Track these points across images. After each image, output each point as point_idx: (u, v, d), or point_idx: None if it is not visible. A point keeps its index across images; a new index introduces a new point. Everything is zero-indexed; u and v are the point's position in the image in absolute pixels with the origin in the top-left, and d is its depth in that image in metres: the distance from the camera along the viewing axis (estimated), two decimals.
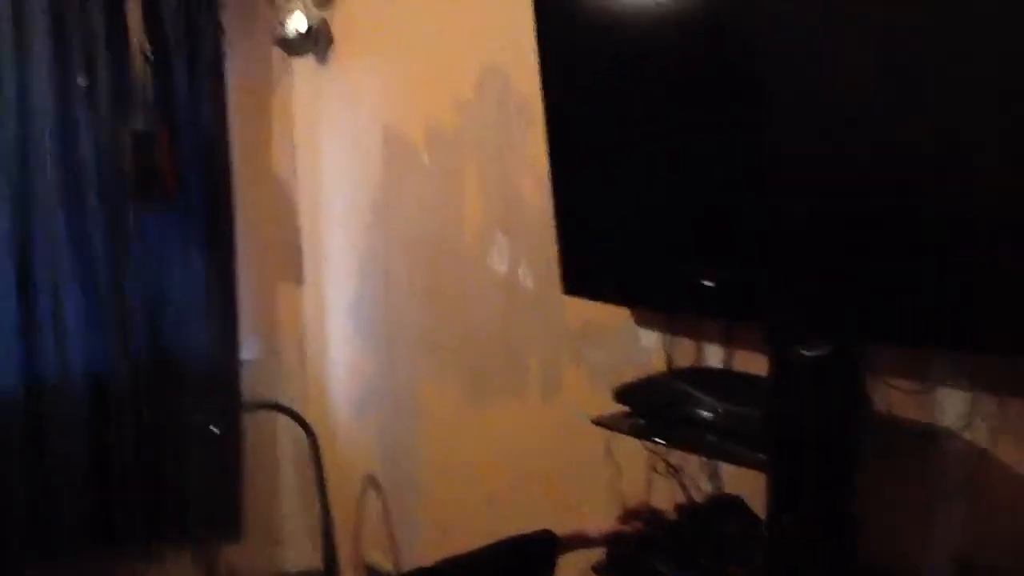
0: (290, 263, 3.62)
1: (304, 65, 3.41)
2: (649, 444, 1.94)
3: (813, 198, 1.55)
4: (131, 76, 3.13)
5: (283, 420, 3.54)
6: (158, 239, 3.25)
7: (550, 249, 2.14)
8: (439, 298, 2.92)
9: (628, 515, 1.87)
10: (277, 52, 3.40)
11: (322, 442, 3.44)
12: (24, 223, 3.00)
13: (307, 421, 3.41)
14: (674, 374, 1.95)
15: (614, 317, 2.16)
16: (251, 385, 3.51)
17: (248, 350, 3.51)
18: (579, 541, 1.82)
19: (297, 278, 3.63)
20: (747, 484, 1.77)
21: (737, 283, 1.68)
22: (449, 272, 2.85)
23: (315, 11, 3.25)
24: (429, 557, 2.25)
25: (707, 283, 1.70)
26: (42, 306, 3.05)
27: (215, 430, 3.29)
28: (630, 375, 1.97)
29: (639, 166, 1.87)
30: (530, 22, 2.05)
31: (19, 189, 2.98)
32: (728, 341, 1.92)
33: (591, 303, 2.13)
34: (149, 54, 3.14)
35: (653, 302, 1.97)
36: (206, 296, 3.35)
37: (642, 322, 2.11)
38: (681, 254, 1.82)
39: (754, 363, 1.82)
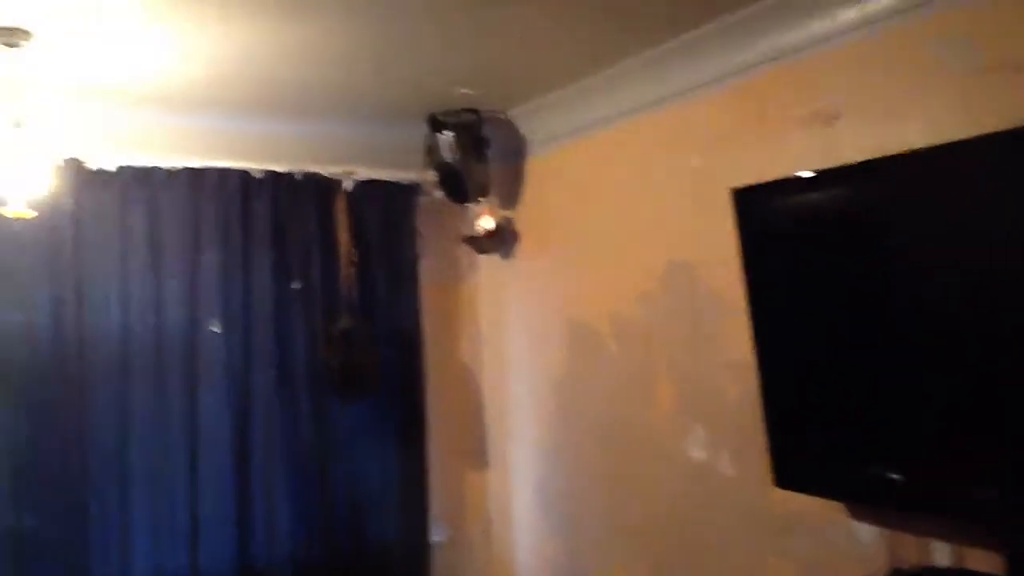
0: (476, 447, 3.76)
1: (489, 261, 3.66)
2: None
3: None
4: (338, 279, 3.44)
5: None
6: (359, 430, 3.47)
7: (752, 439, 2.16)
8: (627, 483, 2.95)
9: None
10: (464, 250, 3.67)
11: None
12: (244, 418, 3.27)
13: None
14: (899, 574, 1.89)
15: (825, 509, 2.13)
16: (439, 567, 3.58)
17: (437, 533, 3.61)
18: None
19: (483, 462, 3.75)
20: None
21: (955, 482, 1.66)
22: (638, 457, 2.89)
23: (501, 212, 3.52)
24: None
25: (924, 481, 1.68)
26: (256, 496, 3.27)
27: None
28: (845, 571, 1.93)
29: (837, 360, 1.92)
30: (715, 218, 2.18)
31: (241, 389, 3.27)
32: (957, 537, 1.86)
33: (797, 493, 2.12)
34: (355, 259, 3.46)
35: (872, 498, 1.95)
36: (400, 483, 3.52)
37: (857, 515, 2.07)
38: (892, 450, 1.81)
39: (987, 561, 1.76)
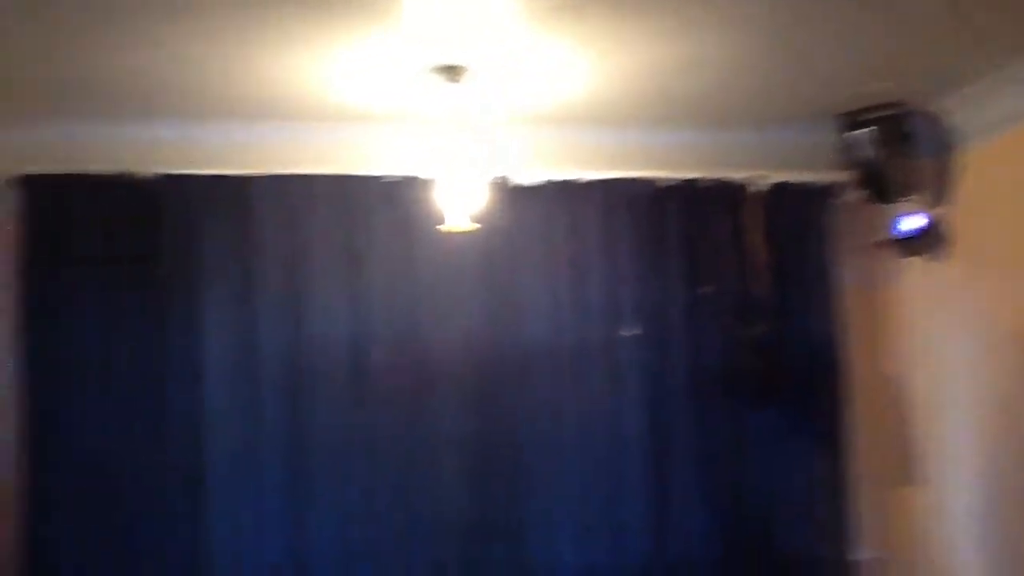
0: (900, 466, 3.46)
1: (915, 265, 3.34)
2: None
3: None
4: (749, 285, 3.38)
5: None
6: (771, 438, 3.39)
7: None
8: None
9: None
10: (886, 253, 3.39)
11: None
12: (657, 421, 3.35)
13: None
14: None
15: None
16: None
17: (859, 551, 3.40)
18: None
19: (908, 482, 3.45)
20: None
21: None
22: None
23: (929, 211, 3.19)
24: None
25: None
26: (671, 499, 3.34)
27: None
28: None
29: None
30: None
31: (655, 392, 3.36)
32: None
33: None
34: (767, 264, 3.38)
35: None
36: (816, 494, 3.38)
37: None
38: None
39: None
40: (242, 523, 3.18)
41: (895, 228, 3.27)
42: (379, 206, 3.28)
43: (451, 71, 2.60)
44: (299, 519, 3.22)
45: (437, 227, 2.77)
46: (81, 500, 3.11)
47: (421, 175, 3.17)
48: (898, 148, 3.02)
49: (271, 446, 3.22)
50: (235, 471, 3.19)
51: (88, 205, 3.18)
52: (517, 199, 3.29)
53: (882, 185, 3.10)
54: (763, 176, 3.44)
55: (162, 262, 3.18)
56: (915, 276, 3.39)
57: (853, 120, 3.06)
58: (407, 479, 3.27)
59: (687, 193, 3.40)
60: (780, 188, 3.45)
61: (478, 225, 2.74)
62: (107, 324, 3.17)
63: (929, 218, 3.18)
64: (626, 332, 3.37)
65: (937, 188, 3.17)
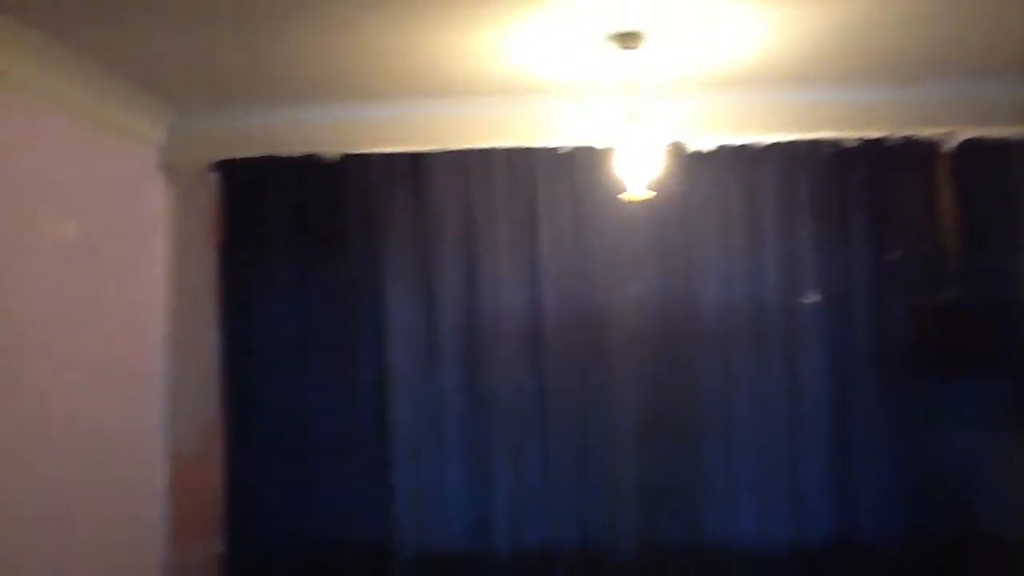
0: None
1: None
2: None
3: None
4: (940, 249, 3.22)
5: None
6: (962, 409, 3.22)
7: None
8: None
9: None
10: None
11: None
12: (841, 390, 3.26)
13: None
14: None
15: None
16: None
17: None
18: None
19: None
20: None
21: None
22: None
23: None
24: None
25: None
26: (855, 469, 3.24)
27: None
28: None
29: None
30: None
31: (838, 360, 3.26)
32: None
33: None
34: (959, 226, 3.19)
35: None
36: (1014, 469, 3.17)
37: None
38: None
39: None
40: (424, 480, 3.33)
41: None
42: (555, 177, 3.32)
43: (627, 38, 2.58)
44: (477, 479, 3.34)
45: (617, 196, 2.77)
46: (278, 453, 3.35)
47: (597, 145, 3.20)
48: None
49: (451, 408, 3.35)
50: (418, 433, 3.34)
51: (279, 186, 3.38)
52: (693, 165, 3.26)
53: None
54: (953, 133, 3.25)
55: (347, 237, 3.35)
56: None
57: None
58: (582, 443, 3.31)
59: (873, 153, 3.25)
60: (971, 145, 3.25)
61: (654, 193, 2.72)
62: (299, 297, 3.38)
63: None
64: (806, 300, 3.27)
65: None
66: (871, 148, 3.25)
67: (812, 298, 3.27)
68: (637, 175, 2.71)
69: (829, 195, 3.26)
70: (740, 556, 3.27)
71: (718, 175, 3.29)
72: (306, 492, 3.34)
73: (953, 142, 3.24)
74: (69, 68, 2.72)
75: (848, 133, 3.26)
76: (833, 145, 3.26)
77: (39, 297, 2.68)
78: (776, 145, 3.27)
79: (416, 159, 3.35)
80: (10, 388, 2.51)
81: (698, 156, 3.27)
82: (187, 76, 2.97)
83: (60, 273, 2.78)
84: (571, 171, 3.28)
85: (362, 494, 3.34)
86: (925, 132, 3.26)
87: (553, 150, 3.31)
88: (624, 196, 2.74)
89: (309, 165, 3.36)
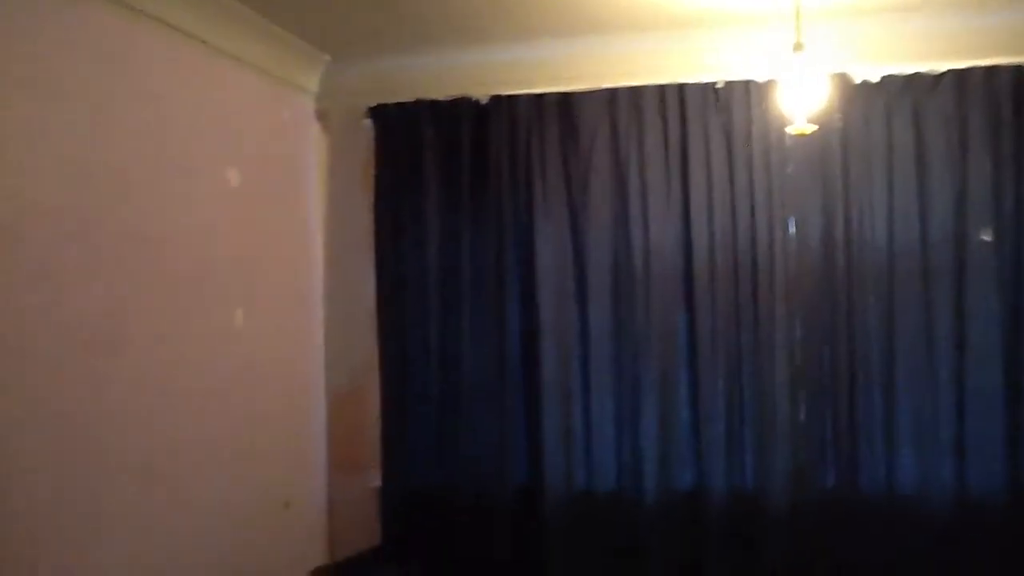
0: None
1: None
2: None
3: None
4: None
5: None
6: None
7: None
8: None
9: None
10: None
11: None
12: (1014, 332, 3.08)
13: None
14: None
15: None
16: None
17: None
18: None
19: None
20: None
21: None
22: None
23: None
24: None
25: None
26: None
27: None
28: None
29: None
30: None
31: (1012, 301, 3.08)
32: None
33: None
34: None
35: None
36: None
37: None
38: None
39: None
40: (572, 421, 3.35)
41: None
42: (708, 113, 3.23)
43: None
44: (625, 420, 3.34)
45: (773, 131, 2.67)
46: (429, 391, 3.44)
47: (753, 78, 3.09)
48: None
49: (599, 349, 3.34)
50: (567, 373, 3.35)
51: (430, 130, 3.42)
52: (858, 96, 3.11)
53: None
54: None
55: (498, 178, 3.37)
56: None
57: None
58: (733, 385, 3.26)
59: None
60: None
61: (817, 126, 2.61)
62: (450, 238, 3.43)
63: None
64: (978, 239, 3.08)
65: None
66: None
67: (984, 237, 3.08)
68: (800, 108, 2.59)
69: (1007, 125, 3.03)
70: (899, 507, 3.15)
71: (885, 106, 3.11)
72: (456, 431, 3.42)
73: None
74: (233, 18, 2.81)
75: None
76: (1014, 72, 3.02)
77: (213, 242, 2.82)
78: (948, 73, 3.07)
79: (566, 99, 3.32)
80: (185, 332, 2.67)
81: (864, 87, 3.11)
82: (341, 24, 3.02)
83: (229, 217, 2.91)
84: (725, 106, 3.19)
85: (511, 434, 3.39)
86: None
87: (707, 85, 3.21)
88: (788, 129, 2.63)
89: (459, 108, 3.39)
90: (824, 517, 3.19)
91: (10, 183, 2.02)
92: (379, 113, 3.47)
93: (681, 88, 3.23)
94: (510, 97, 3.35)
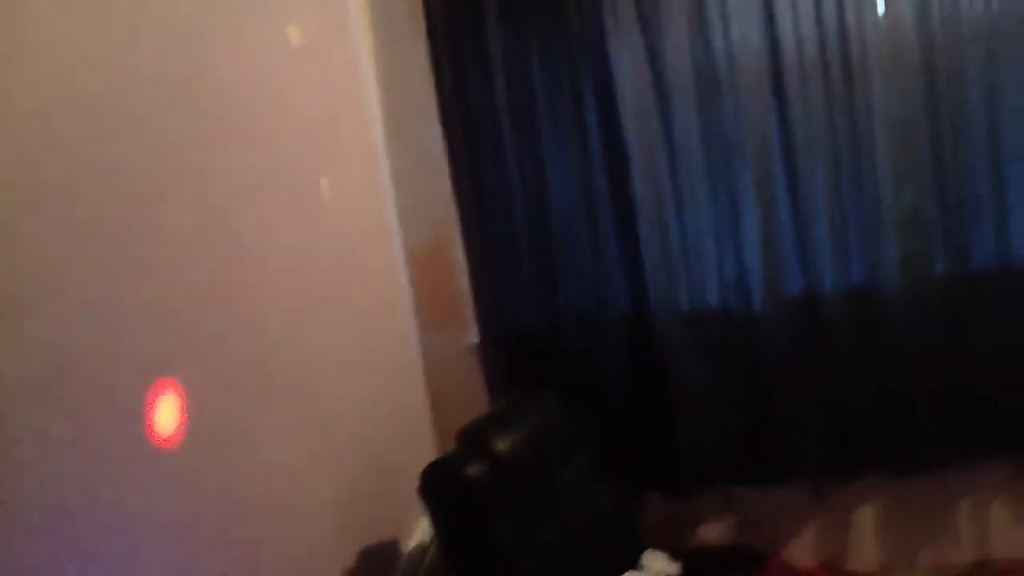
0: None
1: None
2: None
3: None
4: None
5: None
6: None
7: None
8: None
9: None
10: None
11: None
12: None
13: None
14: None
15: None
16: None
17: None
18: None
19: None
20: None
21: None
22: None
23: None
24: None
25: None
26: None
27: None
28: None
29: None
30: None
31: None
32: None
33: None
34: None
35: None
36: None
37: None
38: None
39: None
40: (673, 243, 3.21)
41: None
42: None
43: None
44: (725, 231, 3.21)
45: None
46: (516, 235, 3.25)
47: None
48: None
49: (689, 161, 3.16)
50: (659, 195, 3.19)
51: None
52: None
53: None
54: None
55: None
56: None
57: None
58: (836, 179, 3.12)
59: None
60: None
61: None
62: (517, 69, 3.17)
63: None
64: None
65: None
66: None
67: None
68: None
69: None
70: (1015, 278, 3.11)
71: None
72: (550, 269, 3.27)
73: None
74: None
75: None
76: None
77: (291, 110, 2.53)
78: None
79: None
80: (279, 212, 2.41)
81: None
82: None
83: (296, 79, 2.61)
84: None
85: (608, 263, 3.23)
86: None
87: None
88: None
89: None
90: (939, 300, 3.13)
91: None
92: None
93: None
94: None
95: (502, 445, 2.51)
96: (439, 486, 2.41)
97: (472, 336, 3.38)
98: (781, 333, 3.20)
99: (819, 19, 3.02)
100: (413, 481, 2.40)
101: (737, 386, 3.27)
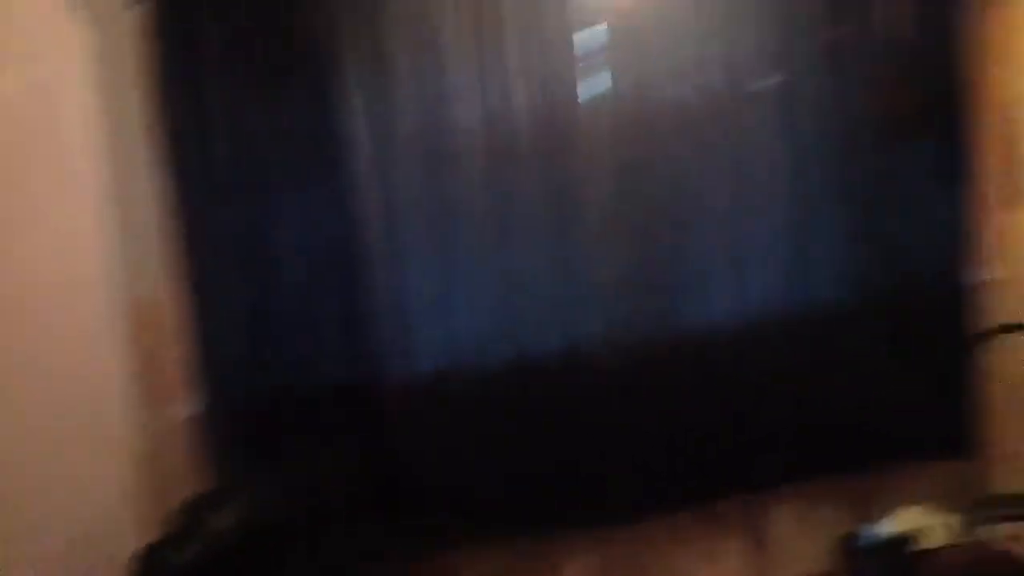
0: (1011, 190, 3.57)
1: None
2: None
3: None
4: (883, 21, 3.35)
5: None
6: (904, 172, 3.47)
7: None
8: None
9: None
10: None
11: None
12: (797, 164, 3.41)
13: None
14: None
15: None
16: (987, 307, 3.61)
17: (984, 272, 3.61)
18: None
19: (1015, 201, 3.57)
20: None
21: None
22: None
23: None
24: None
25: None
26: (812, 239, 3.45)
27: None
28: None
29: None
30: None
31: (795, 134, 3.40)
32: None
33: None
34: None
35: None
36: (946, 223, 3.52)
37: None
38: None
39: None
40: (404, 301, 3.24)
41: None
42: None
43: None
44: (449, 290, 3.29)
45: None
46: (242, 297, 3.13)
47: None
48: None
49: (417, 218, 3.23)
50: (392, 254, 3.22)
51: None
52: None
53: None
54: None
55: (297, 49, 3.06)
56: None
57: None
58: (557, 245, 3.31)
59: None
60: None
61: None
62: (248, 122, 3.08)
63: None
64: (763, 81, 3.36)
65: None
66: None
67: (769, 79, 3.36)
68: None
69: None
70: (716, 337, 3.44)
71: None
72: (276, 336, 3.17)
73: None
74: None
75: None
76: None
77: None
78: None
79: None
80: None
81: None
82: None
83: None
84: None
85: (339, 327, 3.20)
86: None
87: None
88: None
89: None
90: (648, 362, 3.40)
91: None
92: None
93: None
94: None
95: (220, 524, 2.37)
96: (148, 573, 2.23)
97: (192, 406, 3.18)
98: (508, 392, 3.32)
99: (531, 94, 3.23)
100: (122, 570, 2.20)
101: (472, 443, 3.32)
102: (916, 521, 3.60)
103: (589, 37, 3.23)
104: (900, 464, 3.69)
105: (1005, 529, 3.62)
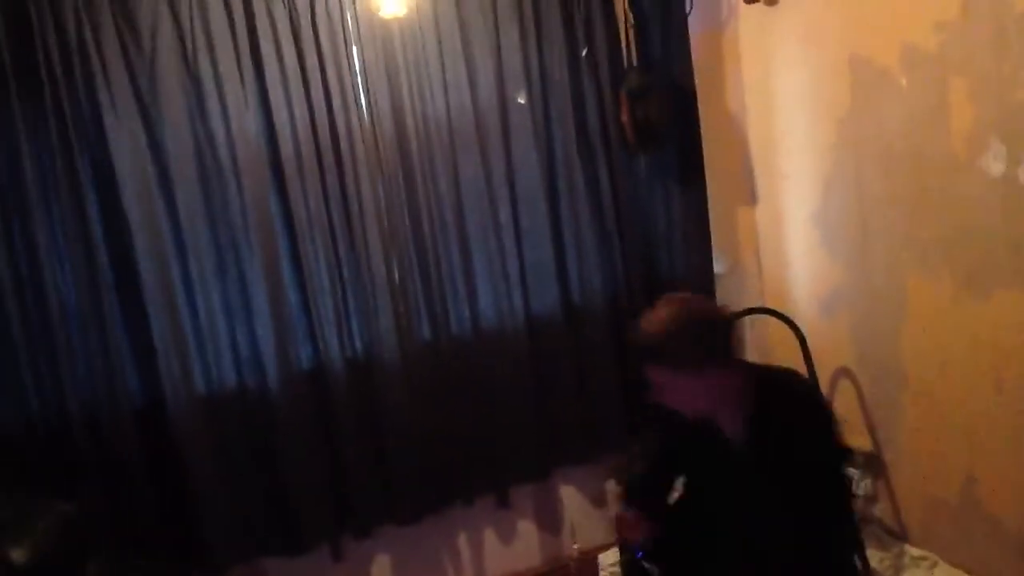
0: (746, 188, 4.07)
1: (751, 8, 3.78)
2: None
3: None
4: (620, 43, 3.72)
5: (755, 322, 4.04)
6: (647, 180, 3.89)
7: None
8: (922, 202, 3.13)
9: None
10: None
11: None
12: (552, 176, 3.74)
13: (794, 321, 3.69)
14: None
15: None
16: (722, 294, 4.06)
17: (718, 265, 4.05)
18: None
19: (753, 200, 4.07)
20: None
21: None
22: (932, 178, 3.06)
23: None
24: (916, 435, 2.66)
25: None
26: (568, 244, 3.81)
27: None
28: None
29: None
30: None
31: (547, 147, 3.72)
32: None
33: None
34: (632, 23, 3.71)
35: None
36: (684, 223, 3.93)
37: None
38: None
39: None
40: (182, 323, 3.28)
41: None
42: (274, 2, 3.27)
43: None
44: (237, 311, 3.38)
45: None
46: (10, 328, 3.07)
47: None
48: None
49: (197, 245, 3.29)
50: (167, 278, 3.25)
51: None
52: None
53: None
54: None
55: (47, 76, 3.02)
56: (749, 19, 3.85)
57: None
58: (335, 261, 3.47)
59: None
60: None
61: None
62: (6, 143, 3.04)
63: None
64: (517, 99, 3.64)
65: None
66: None
67: (519, 100, 3.65)
68: None
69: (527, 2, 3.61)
70: (484, 340, 3.71)
71: None
72: (52, 365, 3.11)
73: None
74: None
75: None
76: None
77: None
78: None
79: None
80: None
81: None
82: None
83: None
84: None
85: (119, 352, 3.19)
86: None
87: None
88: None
89: None
90: (426, 364, 3.63)
91: None
92: None
93: None
94: None
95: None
96: None
97: None
98: (293, 406, 3.44)
99: (311, 113, 3.37)
100: None
101: (254, 462, 3.43)
102: None
103: (352, 59, 3.40)
104: None
105: None
